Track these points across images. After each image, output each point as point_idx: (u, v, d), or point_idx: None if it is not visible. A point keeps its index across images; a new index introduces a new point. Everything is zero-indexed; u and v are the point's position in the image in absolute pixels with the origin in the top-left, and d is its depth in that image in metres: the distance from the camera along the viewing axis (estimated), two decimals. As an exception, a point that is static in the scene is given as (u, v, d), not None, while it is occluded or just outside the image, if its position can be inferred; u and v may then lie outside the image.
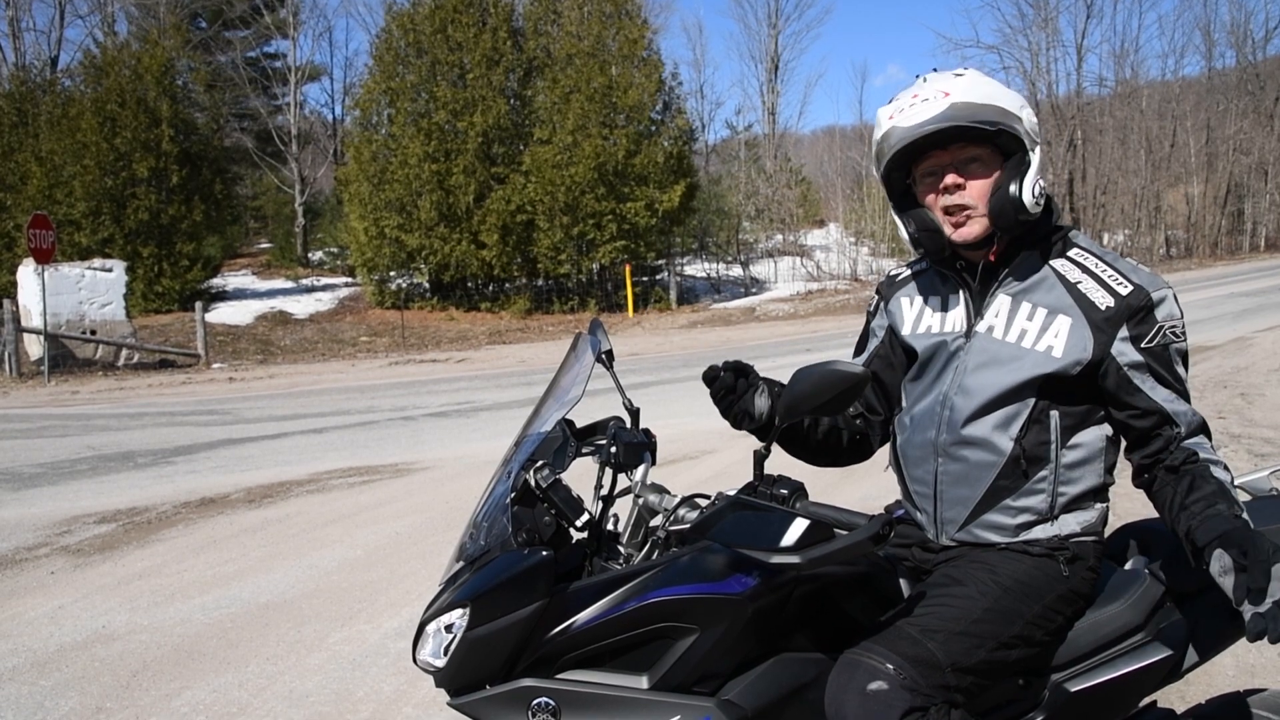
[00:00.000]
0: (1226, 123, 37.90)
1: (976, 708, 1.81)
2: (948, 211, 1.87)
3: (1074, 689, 1.90)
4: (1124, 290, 1.83)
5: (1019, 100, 1.86)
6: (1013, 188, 1.82)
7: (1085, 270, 1.88)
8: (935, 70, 1.91)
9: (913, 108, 1.81)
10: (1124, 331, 1.82)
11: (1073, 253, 1.92)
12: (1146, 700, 2.06)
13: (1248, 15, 47.51)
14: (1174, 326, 1.83)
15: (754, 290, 29.10)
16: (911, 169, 1.91)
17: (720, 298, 27.82)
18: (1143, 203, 35.60)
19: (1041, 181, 1.86)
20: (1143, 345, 1.81)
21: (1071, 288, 1.87)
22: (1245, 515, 1.72)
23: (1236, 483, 2.29)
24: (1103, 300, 1.83)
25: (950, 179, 1.85)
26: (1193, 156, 37.59)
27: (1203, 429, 1.86)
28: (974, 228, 1.86)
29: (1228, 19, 45.38)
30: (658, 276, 26.86)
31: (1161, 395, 1.83)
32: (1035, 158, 1.85)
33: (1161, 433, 1.84)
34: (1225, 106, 38.59)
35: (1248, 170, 38.24)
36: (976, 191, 1.85)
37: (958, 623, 1.77)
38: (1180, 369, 1.85)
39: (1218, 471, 1.79)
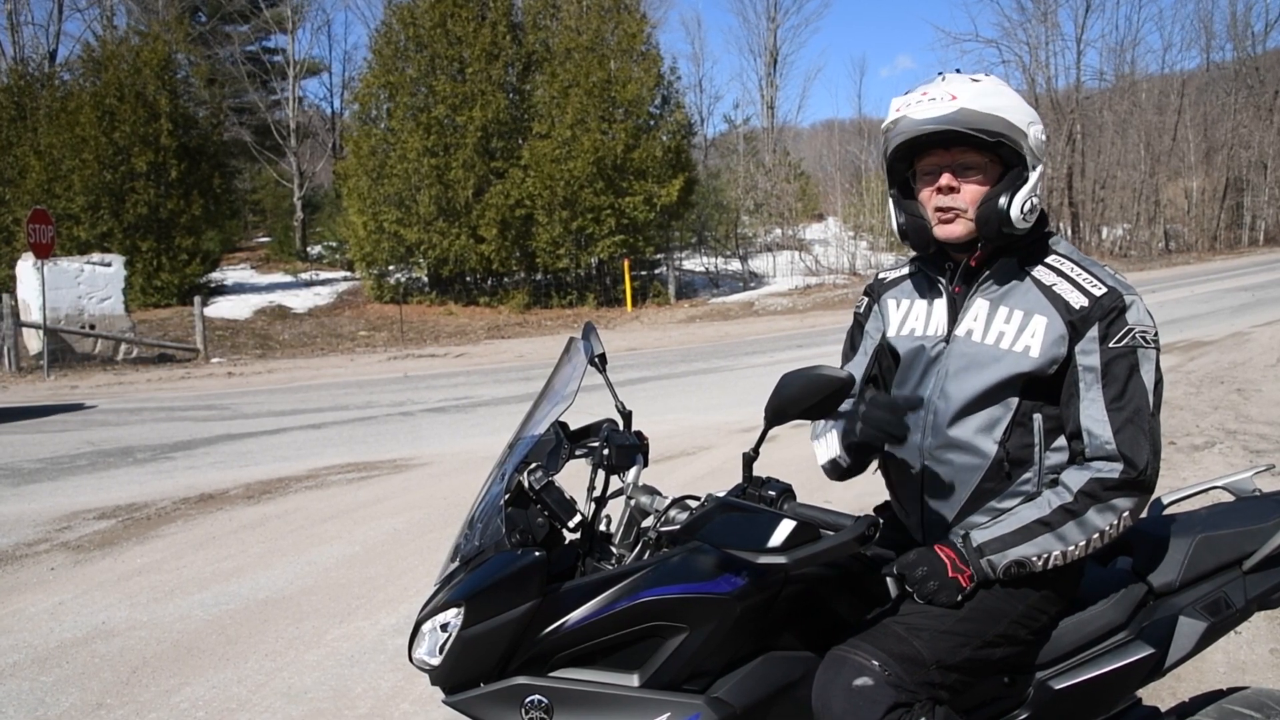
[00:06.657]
0: (1226, 117, 37.85)
1: (962, 705, 1.84)
2: (938, 209, 1.89)
3: (1058, 687, 1.94)
4: (1098, 291, 1.85)
5: (1030, 116, 1.86)
6: (1002, 200, 1.84)
7: (1060, 274, 1.90)
8: (958, 71, 1.93)
9: (919, 104, 1.84)
10: (1094, 331, 1.82)
11: (1050, 258, 1.94)
12: (1131, 698, 2.10)
13: (1247, 8, 47.30)
14: (1144, 332, 1.82)
15: (752, 285, 29.09)
16: (914, 162, 1.94)
17: (719, 292, 27.82)
18: (1142, 197, 35.58)
19: (1035, 198, 1.87)
20: (1110, 344, 1.81)
21: (1046, 290, 1.88)
22: (973, 543, 1.84)
23: (1221, 484, 2.32)
24: (1077, 300, 1.85)
25: (945, 180, 1.87)
26: (1192, 150, 37.54)
27: (1117, 459, 1.78)
28: (956, 228, 1.89)
29: (1227, 12, 45.22)
30: (656, 271, 26.83)
31: (1093, 412, 1.81)
32: (1034, 175, 1.87)
33: (1071, 446, 1.85)
34: (1224, 100, 38.54)
35: (1247, 164, 38.19)
36: (969, 196, 1.87)
37: (942, 621, 1.80)
38: (1144, 377, 1.81)
39: (1050, 497, 1.82)
